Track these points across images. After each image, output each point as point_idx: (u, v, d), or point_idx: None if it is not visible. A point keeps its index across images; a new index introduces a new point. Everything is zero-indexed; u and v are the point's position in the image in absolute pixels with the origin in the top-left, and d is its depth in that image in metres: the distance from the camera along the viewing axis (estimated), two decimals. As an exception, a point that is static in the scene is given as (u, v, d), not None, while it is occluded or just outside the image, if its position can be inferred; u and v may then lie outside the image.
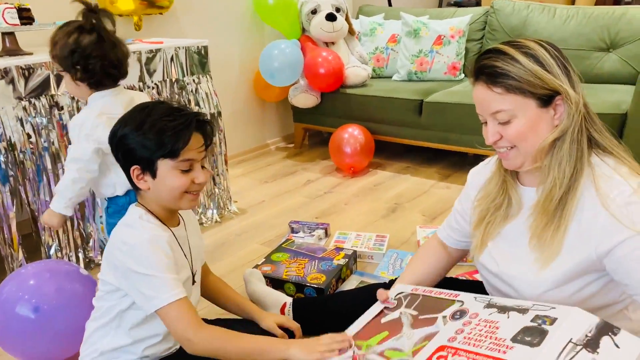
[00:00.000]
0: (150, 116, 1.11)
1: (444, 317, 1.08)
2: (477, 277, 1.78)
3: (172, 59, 2.19)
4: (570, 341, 0.87)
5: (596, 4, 4.36)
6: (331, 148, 2.99)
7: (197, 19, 2.95)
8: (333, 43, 3.27)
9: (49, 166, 1.84)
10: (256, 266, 1.85)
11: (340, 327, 1.46)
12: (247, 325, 1.38)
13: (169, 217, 1.20)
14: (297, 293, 1.72)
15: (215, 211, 2.45)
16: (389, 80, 3.30)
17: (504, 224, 1.17)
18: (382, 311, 1.23)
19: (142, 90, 2.09)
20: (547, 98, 1.01)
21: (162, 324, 1.17)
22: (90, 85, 1.49)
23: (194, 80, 2.28)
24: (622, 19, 2.79)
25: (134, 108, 1.16)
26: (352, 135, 2.92)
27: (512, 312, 1.01)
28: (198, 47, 2.29)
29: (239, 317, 1.44)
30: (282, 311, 1.55)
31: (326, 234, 2.21)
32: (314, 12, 3.19)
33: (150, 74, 2.13)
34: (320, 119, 3.35)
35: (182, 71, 2.24)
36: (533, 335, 0.93)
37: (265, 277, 1.77)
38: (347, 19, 3.27)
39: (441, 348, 1.02)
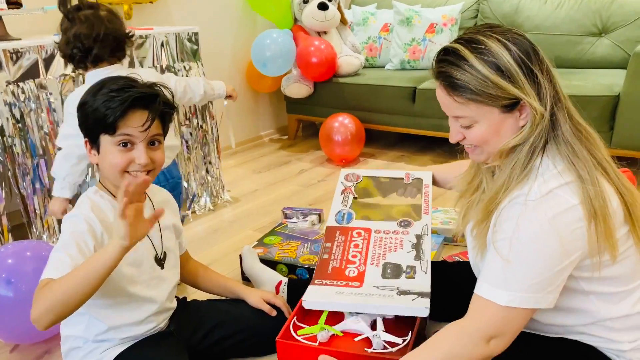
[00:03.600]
0: (102, 89, 1.09)
1: (397, 220, 1.41)
2: (471, 257, 1.77)
3: (162, 45, 2.18)
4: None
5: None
6: (321, 138, 2.98)
7: (188, 8, 2.94)
8: (325, 33, 3.26)
9: (39, 151, 1.83)
10: (249, 249, 1.84)
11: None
12: (236, 304, 1.39)
13: None
14: (289, 274, 1.71)
15: (208, 199, 2.44)
16: (382, 70, 3.29)
17: None
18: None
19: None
20: (510, 104, 0.95)
21: (135, 309, 1.17)
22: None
23: (184, 67, 2.27)
24: (613, 4, 2.79)
25: (98, 81, 1.14)
26: (342, 124, 2.91)
27: (414, 253, 1.30)
28: (188, 33, 2.28)
29: (227, 298, 1.44)
30: (277, 289, 1.55)
31: (319, 220, 2.20)
32: (305, 1, 3.18)
33: (140, 60, 2.11)
34: (314, 109, 3.33)
35: (173, 58, 2.22)
36: (393, 271, 1.26)
37: (257, 259, 1.75)
38: (339, 9, 3.26)
39: (367, 230, 1.38)
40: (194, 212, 2.39)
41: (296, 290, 1.56)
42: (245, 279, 1.75)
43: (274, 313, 1.37)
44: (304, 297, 1.22)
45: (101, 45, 1.46)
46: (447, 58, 0.97)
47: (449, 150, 3.08)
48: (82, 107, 1.11)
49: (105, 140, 1.10)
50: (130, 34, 1.55)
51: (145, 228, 0.99)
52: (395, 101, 2.95)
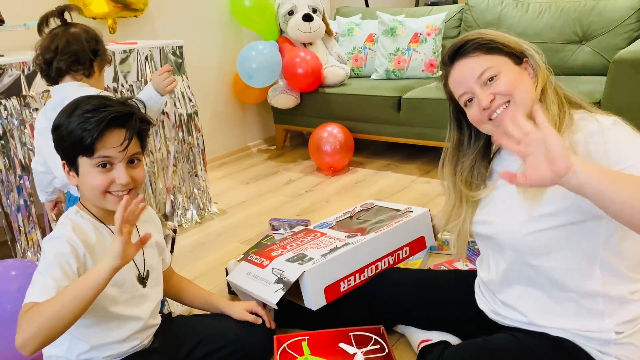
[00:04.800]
0: (76, 110, 1.07)
1: (347, 234, 1.51)
2: (457, 265, 1.78)
3: (146, 59, 2.18)
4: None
5: None
6: (311, 147, 3.00)
7: (173, 22, 2.95)
8: (311, 44, 3.28)
9: (23, 168, 1.82)
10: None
11: (320, 322, 1.46)
12: (221, 319, 1.39)
13: (107, 214, 1.14)
14: (276, 287, 1.71)
15: (194, 212, 2.44)
16: (368, 79, 3.32)
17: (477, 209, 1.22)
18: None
19: (116, 91, 2.08)
20: (518, 58, 1.10)
21: (118, 328, 1.15)
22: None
23: (169, 81, 2.27)
24: (593, 12, 2.84)
25: (71, 102, 1.13)
26: (331, 134, 2.93)
27: (327, 252, 1.39)
28: (173, 47, 2.28)
29: (212, 312, 1.43)
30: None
31: (307, 231, 2.20)
32: (290, 13, 3.20)
33: (125, 75, 2.11)
34: (301, 120, 3.35)
35: (157, 71, 2.22)
36: (298, 258, 1.39)
37: (244, 272, 1.75)
38: (324, 20, 3.28)
39: (323, 234, 1.53)
40: (180, 225, 2.38)
41: (284, 301, 1.56)
42: (232, 293, 1.75)
43: (259, 321, 1.37)
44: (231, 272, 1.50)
45: (60, 57, 1.45)
46: (461, 39, 1.14)
47: (435, 158, 3.10)
48: (57, 130, 1.09)
49: (83, 162, 1.08)
50: (98, 51, 1.52)
51: (133, 252, 1.00)
52: (380, 110, 2.97)
